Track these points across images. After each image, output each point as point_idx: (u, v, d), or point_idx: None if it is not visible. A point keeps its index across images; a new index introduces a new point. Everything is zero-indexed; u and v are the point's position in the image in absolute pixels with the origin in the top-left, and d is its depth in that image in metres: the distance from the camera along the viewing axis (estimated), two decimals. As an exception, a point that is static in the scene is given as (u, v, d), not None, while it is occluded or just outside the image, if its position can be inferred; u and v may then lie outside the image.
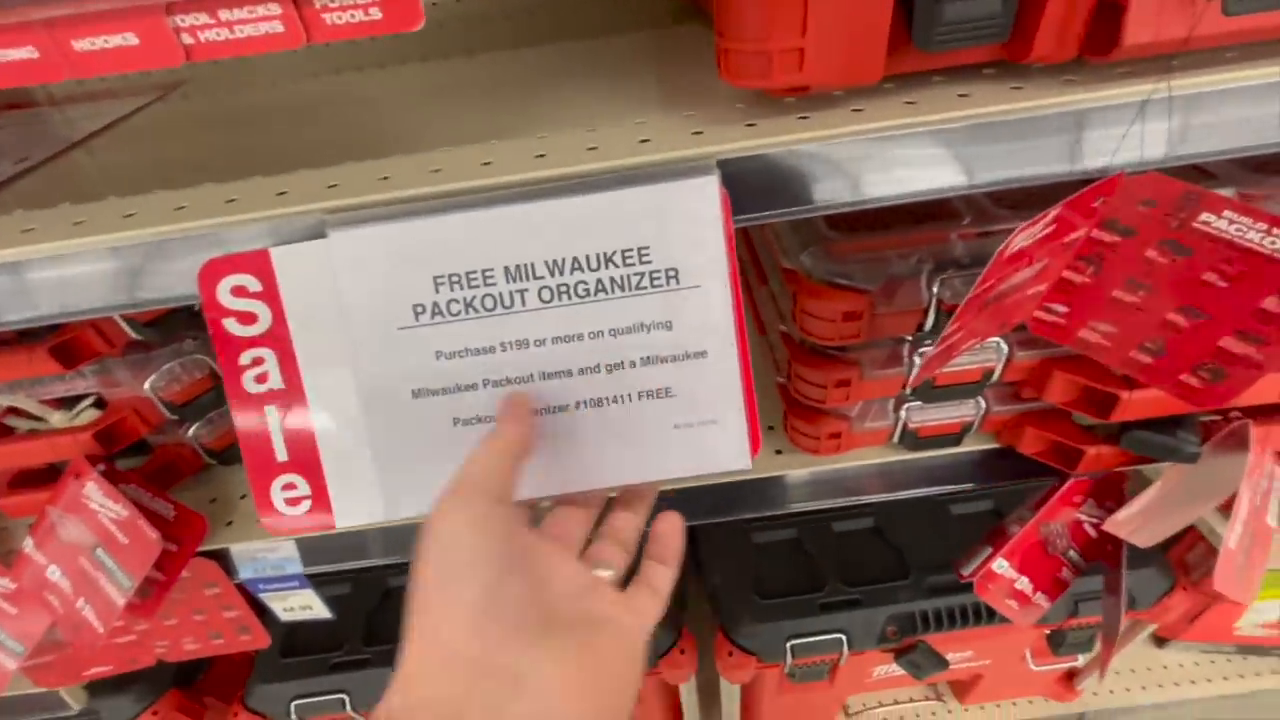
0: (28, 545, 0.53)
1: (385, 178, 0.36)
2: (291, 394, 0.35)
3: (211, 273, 0.35)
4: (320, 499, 0.36)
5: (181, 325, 0.56)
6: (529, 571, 0.31)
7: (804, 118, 0.35)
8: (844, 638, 0.82)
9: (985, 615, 0.82)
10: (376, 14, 0.24)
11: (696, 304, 0.34)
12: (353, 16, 0.24)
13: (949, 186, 0.34)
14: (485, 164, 0.36)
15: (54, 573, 0.52)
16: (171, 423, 0.57)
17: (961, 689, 1.08)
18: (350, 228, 0.34)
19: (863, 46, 0.30)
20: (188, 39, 0.24)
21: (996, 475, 0.55)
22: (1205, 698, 1.09)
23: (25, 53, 0.23)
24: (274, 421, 0.36)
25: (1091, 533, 0.53)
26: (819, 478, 0.54)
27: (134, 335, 0.52)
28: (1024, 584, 0.52)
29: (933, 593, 0.84)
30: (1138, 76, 0.33)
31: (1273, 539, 0.47)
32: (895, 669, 0.91)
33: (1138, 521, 0.48)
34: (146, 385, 0.53)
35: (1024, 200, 0.48)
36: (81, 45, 0.24)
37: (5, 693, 0.68)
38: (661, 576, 0.37)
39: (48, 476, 0.57)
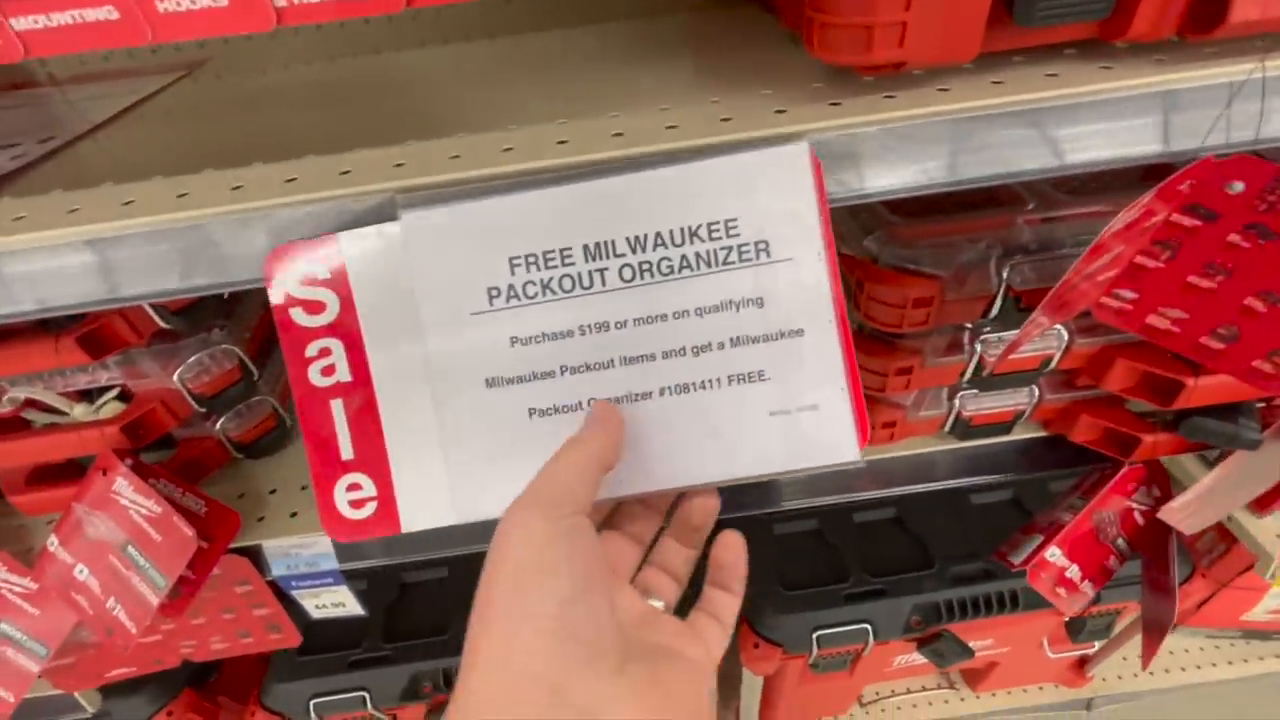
0: (52, 543, 0.51)
1: (456, 156, 0.34)
2: (359, 387, 0.34)
3: (279, 258, 0.33)
4: (386, 501, 0.34)
5: (210, 314, 0.54)
6: (605, 593, 0.29)
7: (890, 96, 0.34)
8: (870, 628, 0.82)
9: (1009, 603, 0.82)
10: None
11: (790, 278, 0.33)
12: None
13: (1040, 168, 0.33)
14: (561, 142, 0.34)
15: (82, 572, 0.50)
16: (199, 415, 0.55)
17: (975, 677, 1.09)
18: (423, 208, 0.33)
19: (964, 22, 0.30)
20: (281, 1, 0.23)
21: (1041, 465, 0.55)
22: (1210, 682, 1.11)
23: (104, 13, 0.22)
24: (340, 417, 0.34)
25: (1140, 521, 0.53)
26: (874, 467, 0.54)
27: (162, 324, 0.50)
28: (1074, 572, 0.52)
29: (957, 582, 0.84)
30: (1226, 57, 0.33)
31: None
32: (916, 658, 0.92)
33: (1191, 509, 0.48)
34: (175, 376, 0.51)
35: (1082, 186, 0.47)
36: (166, 5, 0.22)
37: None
38: (727, 606, 0.35)
39: (67, 473, 0.55)
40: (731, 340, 0.33)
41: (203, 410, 0.54)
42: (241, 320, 0.56)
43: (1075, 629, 0.90)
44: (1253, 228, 0.35)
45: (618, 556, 0.36)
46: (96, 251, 0.34)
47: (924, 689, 1.12)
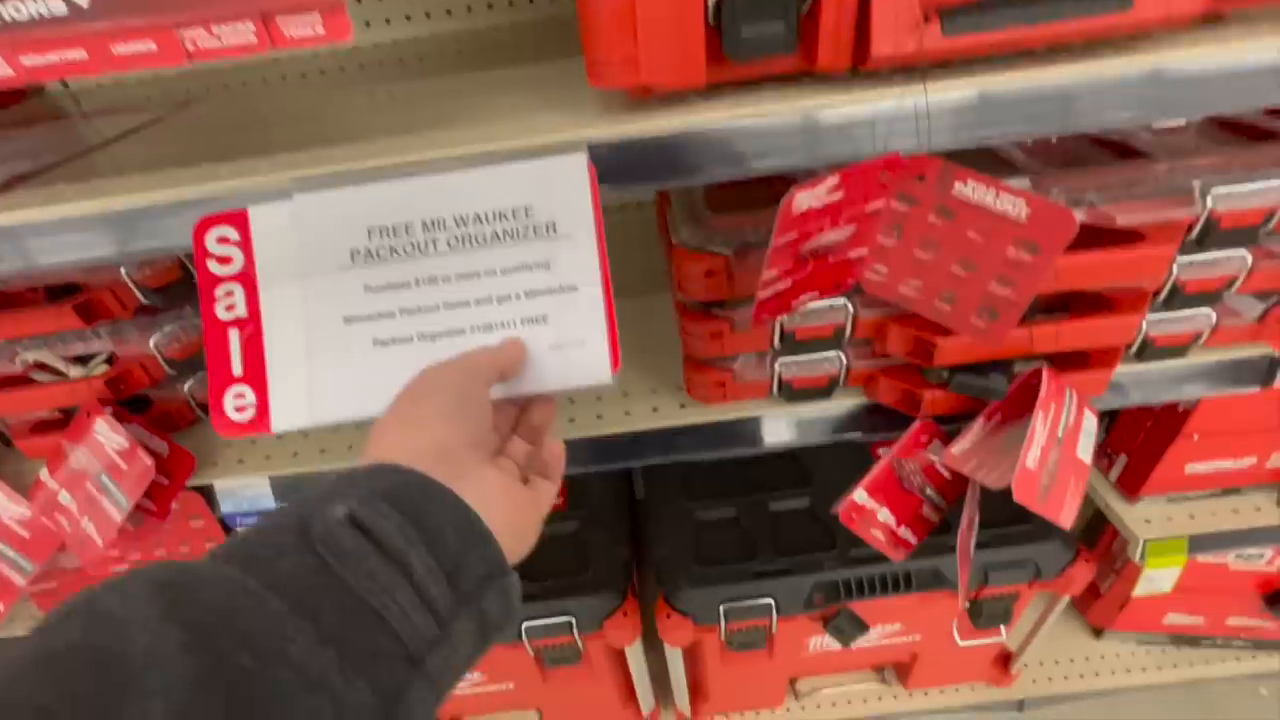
0: (43, 474, 0.63)
1: (338, 159, 0.47)
2: (251, 320, 0.46)
3: (203, 225, 0.46)
4: (262, 407, 0.46)
5: (184, 295, 0.67)
6: (487, 420, 0.40)
7: (651, 113, 0.45)
8: (773, 602, 0.89)
9: (904, 583, 0.89)
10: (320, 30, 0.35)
11: (569, 249, 0.45)
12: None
13: (764, 164, 0.45)
14: (410, 147, 0.47)
15: (64, 497, 0.62)
16: (171, 378, 0.67)
17: (902, 671, 1.13)
18: (309, 192, 0.45)
19: (684, 56, 0.41)
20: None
21: (870, 428, 0.64)
22: (1140, 686, 1.14)
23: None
24: (235, 343, 0.46)
25: (945, 473, 0.61)
26: (720, 427, 0.64)
27: (143, 299, 0.63)
28: (886, 515, 0.60)
29: (856, 563, 0.91)
30: (902, 83, 0.44)
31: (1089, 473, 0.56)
32: (831, 643, 0.98)
33: (972, 458, 0.56)
34: (151, 342, 0.64)
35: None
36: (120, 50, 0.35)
37: (9, 633, 0.77)
38: (550, 489, 0.45)
39: (62, 425, 0.67)
40: (526, 292, 0.45)
41: (174, 373, 0.67)
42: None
43: (975, 613, 0.95)
44: (939, 209, 0.46)
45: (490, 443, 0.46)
46: (89, 225, 0.47)
47: (858, 684, 1.16)
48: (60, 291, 0.63)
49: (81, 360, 0.67)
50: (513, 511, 0.37)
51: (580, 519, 1.00)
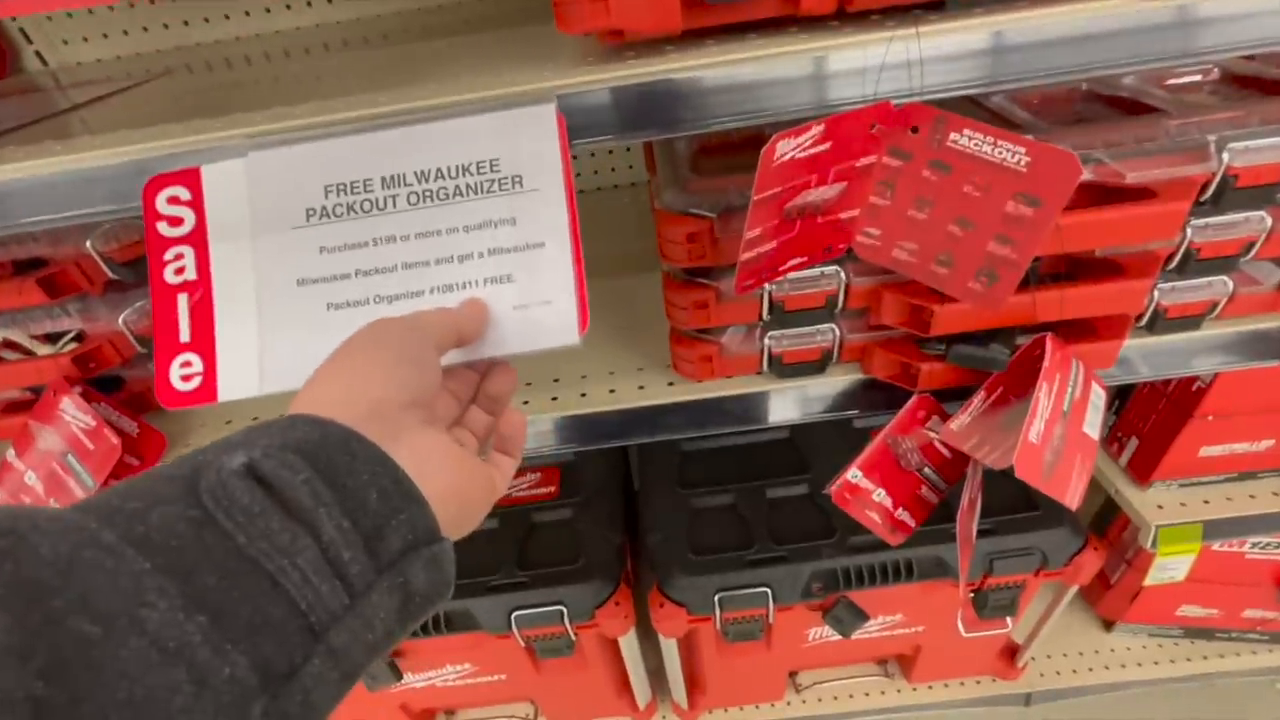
0: (10, 455, 0.61)
1: (296, 115, 0.44)
2: (201, 284, 0.43)
3: (153, 186, 0.43)
4: (209, 376, 0.43)
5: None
6: (434, 382, 0.36)
7: (625, 62, 0.43)
8: (769, 591, 0.86)
9: (904, 572, 0.86)
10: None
11: (536, 204, 0.42)
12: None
13: (744, 113, 0.42)
14: (373, 103, 0.44)
15: (30, 478, 0.60)
16: (142, 356, 0.65)
17: (906, 665, 1.10)
18: (263, 149, 0.43)
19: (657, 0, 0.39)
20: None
21: (867, 405, 0.61)
22: (1151, 680, 1.10)
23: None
24: (183, 308, 0.43)
25: (945, 452, 0.58)
26: (708, 404, 0.61)
27: (111, 274, 0.61)
28: (882, 496, 0.58)
29: (855, 551, 0.88)
30: (893, 27, 0.41)
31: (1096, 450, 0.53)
32: (830, 633, 0.95)
33: (972, 434, 0.53)
34: (120, 319, 0.62)
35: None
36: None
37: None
38: (507, 463, 0.42)
39: (29, 405, 0.66)
40: (489, 250, 0.42)
41: (145, 351, 0.65)
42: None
43: (980, 604, 0.92)
44: (935, 164, 0.43)
45: (443, 406, 0.42)
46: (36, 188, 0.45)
47: (862, 676, 1.14)
48: (28, 267, 0.61)
49: (52, 339, 0.65)
50: (456, 482, 0.33)
51: (574, 506, 0.98)
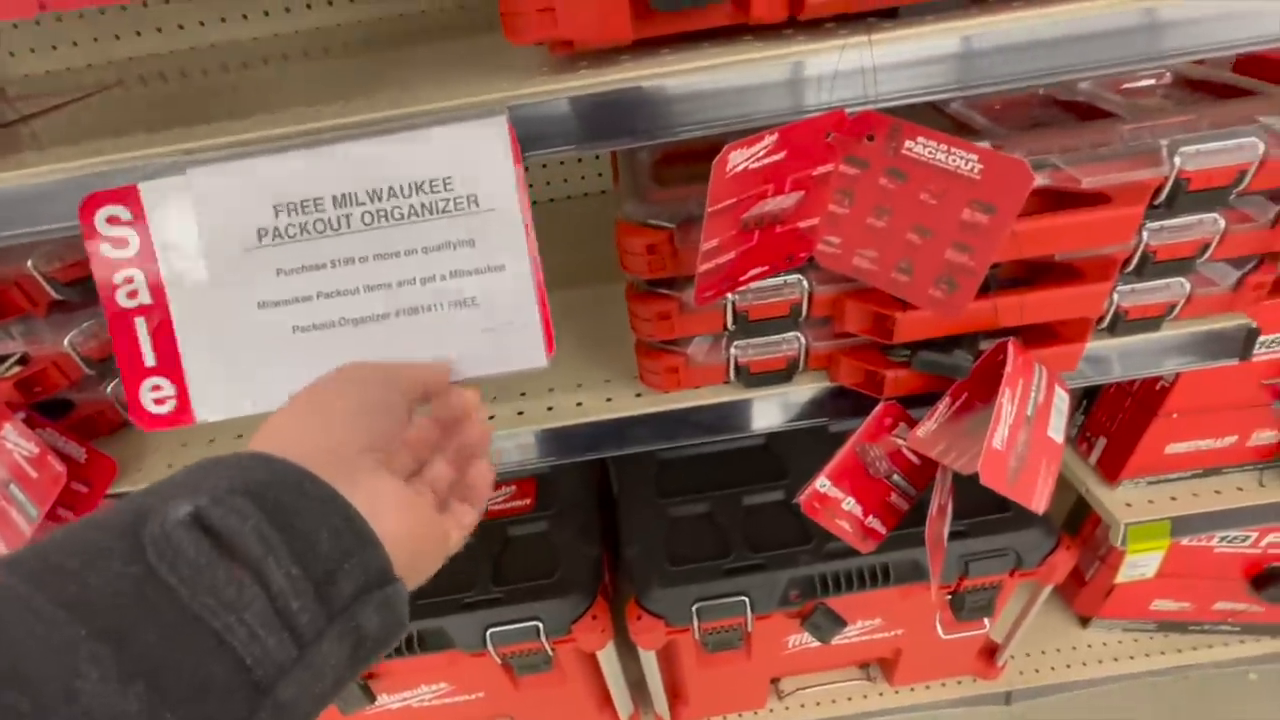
0: (-50, 486, 0.58)
1: (237, 129, 0.43)
2: (158, 308, 0.42)
3: (89, 205, 0.42)
4: (183, 399, 0.42)
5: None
6: (395, 432, 0.35)
7: (577, 73, 0.42)
8: (747, 600, 0.86)
9: (881, 577, 0.86)
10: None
11: (494, 225, 0.41)
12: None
13: (696, 123, 0.41)
14: (318, 115, 0.43)
15: (-29, 508, 0.57)
16: (91, 378, 0.63)
17: (888, 668, 1.10)
18: (204, 166, 0.41)
19: (605, 6, 0.38)
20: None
21: (836, 413, 0.61)
22: (1129, 674, 1.12)
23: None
24: (143, 332, 0.42)
25: (913, 459, 0.58)
26: (676, 415, 0.60)
27: (55, 294, 0.59)
28: (852, 505, 0.57)
29: (832, 557, 0.88)
30: (846, 35, 0.41)
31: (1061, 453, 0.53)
32: (810, 640, 0.95)
33: (939, 440, 0.53)
34: (66, 341, 0.60)
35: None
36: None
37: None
38: (469, 516, 0.40)
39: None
40: (451, 273, 0.41)
41: (93, 373, 0.63)
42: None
43: (957, 606, 0.92)
44: (891, 171, 0.43)
45: (400, 460, 0.40)
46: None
47: (844, 681, 1.14)
48: (-33, 289, 0.59)
49: (-3, 361, 0.62)
50: (410, 531, 0.32)
51: (549, 519, 0.97)
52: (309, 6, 0.84)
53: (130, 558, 0.24)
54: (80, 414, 0.65)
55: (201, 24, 0.84)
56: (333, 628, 0.27)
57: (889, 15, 0.42)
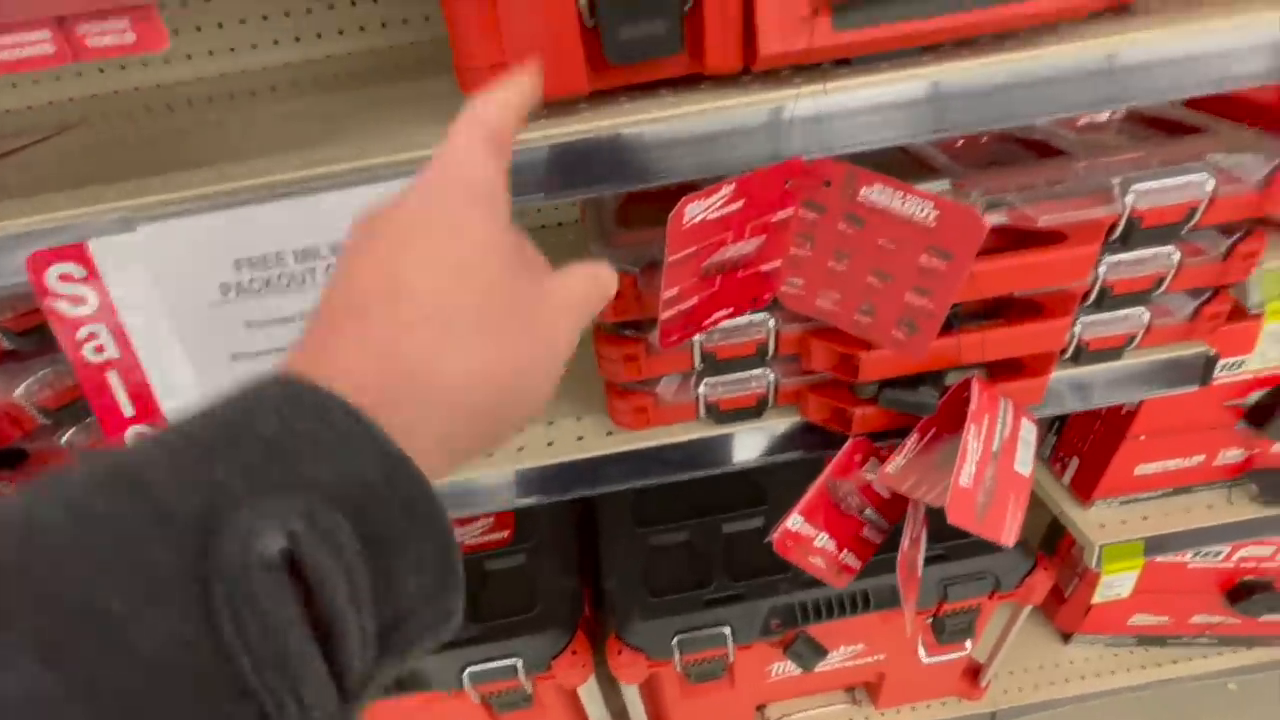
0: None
1: (187, 183, 0.42)
2: (128, 360, 0.41)
3: (38, 263, 0.41)
4: None
5: (54, 338, 0.61)
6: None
7: (535, 124, 0.42)
8: (728, 631, 0.85)
9: (861, 604, 0.86)
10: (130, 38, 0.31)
11: None
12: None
13: (659, 177, 0.41)
14: (272, 168, 0.42)
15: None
16: (46, 428, 0.61)
17: (872, 691, 1.10)
18: (155, 222, 0.41)
19: (560, 61, 0.38)
20: None
21: (807, 447, 0.61)
22: (1111, 689, 1.12)
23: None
24: (117, 384, 0.41)
25: (884, 494, 0.58)
26: (647, 454, 0.60)
27: (7, 344, 0.57)
28: (825, 541, 0.57)
29: (812, 585, 0.87)
30: (801, 83, 0.41)
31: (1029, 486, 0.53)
32: (793, 668, 0.94)
33: (909, 476, 0.53)
34: (18, 390, 0.58)
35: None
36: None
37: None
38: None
39: (-72, 485, 0.61)
40: None
41: (49, 422, 0.61)
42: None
43: (937, 629, 0.92)
44: (850, 217, 0.43)
45: None
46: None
47: (830, 705, 1.13)
48: (-84, 340, 0.57)
49: (-54, 414, 0.61)
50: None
51: (527, 551, 0.96)
52: (276, 43, 0.84)
53: (187, 609, 0.18)
54: (36, 463, 0.63)
55: (166, 61, 0.84)
56: (380, 671, 0.22)
57: (844, 63, 0.42)
